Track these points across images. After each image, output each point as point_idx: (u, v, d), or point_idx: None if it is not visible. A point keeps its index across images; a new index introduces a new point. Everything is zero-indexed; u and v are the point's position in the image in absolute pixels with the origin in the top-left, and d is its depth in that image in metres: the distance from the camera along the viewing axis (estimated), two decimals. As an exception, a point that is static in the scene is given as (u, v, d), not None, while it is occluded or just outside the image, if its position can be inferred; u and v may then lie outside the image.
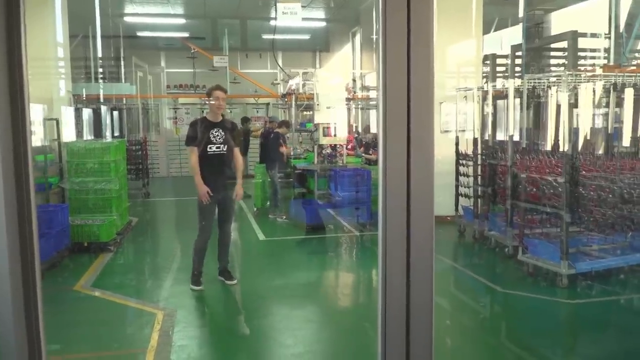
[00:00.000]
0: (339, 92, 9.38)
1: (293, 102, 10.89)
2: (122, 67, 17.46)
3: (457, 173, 8.40)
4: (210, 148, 5.52)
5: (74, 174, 8.01)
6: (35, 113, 7.73)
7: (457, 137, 8.40)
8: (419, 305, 1.55)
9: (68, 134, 9.00)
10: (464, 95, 8.44)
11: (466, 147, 8.24)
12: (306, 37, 15.27)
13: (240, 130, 12.41)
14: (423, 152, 1.53)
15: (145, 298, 5.75)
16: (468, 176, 8.19)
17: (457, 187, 8.41)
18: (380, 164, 1.54)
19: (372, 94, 15.28)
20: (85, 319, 5.27)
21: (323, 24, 13.69)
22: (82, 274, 6.46)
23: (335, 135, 9.33)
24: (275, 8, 8.47)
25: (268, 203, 10.08)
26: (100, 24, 13.08)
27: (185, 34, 14.88)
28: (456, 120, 8.50)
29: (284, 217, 9.61)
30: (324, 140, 9.38)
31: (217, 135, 5.56)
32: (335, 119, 9.30)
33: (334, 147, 9.77)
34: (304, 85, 9.89)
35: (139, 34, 14.58)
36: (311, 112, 9.87)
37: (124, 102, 14.29)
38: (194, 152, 5.52)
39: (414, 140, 1.52)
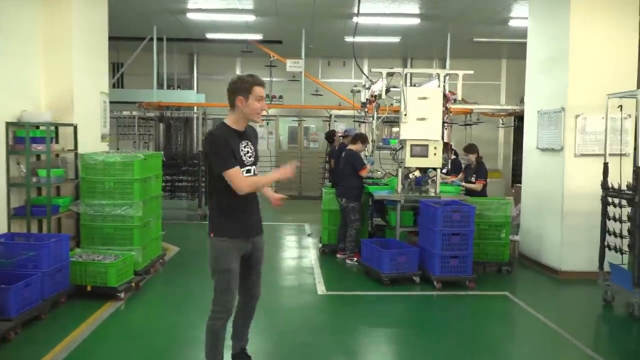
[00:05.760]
0: (434, 102, 7.05)
1: (374, 113, 8.72)
2: (195, 74, 16.31)
3: (605, 215, 5.83)
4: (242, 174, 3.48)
5: (89, 194, 6.35)
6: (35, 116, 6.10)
7: (605, 165, 5.83)
8: None
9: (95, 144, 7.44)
10: (619, 105, 5.87)
11: (619, 179, 5.67)
12: (396, 39, 13.03)
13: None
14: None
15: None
16: (622, 221, 5.61)
17: (603, 235, 5.85)
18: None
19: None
20: None
21: (415, 21, 11.36)
22: (64, 337, 4.63)
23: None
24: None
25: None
26: (163, 22, 11.74)
27: (259, 36, 13.18)
28: (605, 139, 5.93)
29: (355, 259, 7.42)
30: (412, 162, 7.11)
31: (247, 153, 3.52)
32: (428, 135, 7.02)
33: (424, 171, 7.48)
34: (387, 90, 7.65)
35: (208, 35, 13.06)
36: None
37: (195, 110, 12.78)
38: (237, 172, 3.41)
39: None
